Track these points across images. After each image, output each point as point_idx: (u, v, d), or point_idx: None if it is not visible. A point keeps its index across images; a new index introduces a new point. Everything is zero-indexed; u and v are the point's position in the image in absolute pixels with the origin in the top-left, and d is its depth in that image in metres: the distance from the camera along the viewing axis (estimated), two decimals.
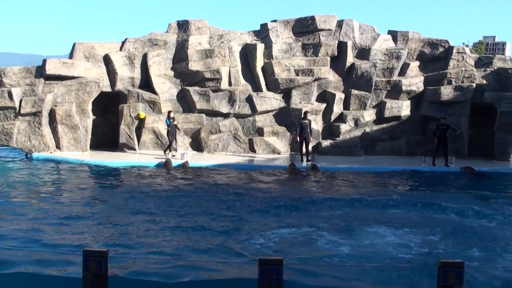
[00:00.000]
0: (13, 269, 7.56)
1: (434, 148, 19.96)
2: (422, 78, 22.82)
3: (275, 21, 23.29)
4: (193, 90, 21.97)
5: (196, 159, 19.69)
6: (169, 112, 20.58)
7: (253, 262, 6.81)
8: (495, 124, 21.64)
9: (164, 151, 20.20)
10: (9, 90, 20.12)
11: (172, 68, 22.30)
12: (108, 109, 22.70)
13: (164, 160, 18.83)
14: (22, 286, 7.28)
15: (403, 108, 22.52)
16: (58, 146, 20.74)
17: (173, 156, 19.92)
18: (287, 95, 22.51)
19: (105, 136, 22.47)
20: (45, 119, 20.52)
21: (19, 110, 20.25)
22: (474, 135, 22.66)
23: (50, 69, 20.56)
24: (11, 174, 16.61)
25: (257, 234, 9.69)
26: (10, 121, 20.32)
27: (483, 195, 14.58)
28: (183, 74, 22.20)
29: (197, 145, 21.97)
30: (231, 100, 22.06)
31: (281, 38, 23.05)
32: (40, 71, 20.70)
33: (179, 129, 20.74)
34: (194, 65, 21.93)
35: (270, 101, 22.39)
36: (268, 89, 22.51)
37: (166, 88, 22.01)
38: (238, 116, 22.33)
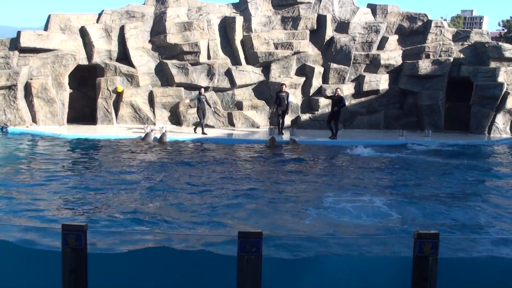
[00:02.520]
0: None
1: (326, 120, 20.25)
2: (401, 52, 22.91)
3: None
4: (171, 64, 21.74)
5: (175, 133, 19.59)
6: (200, 88, 20.36)
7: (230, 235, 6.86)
8: (471, 98, 21.89)
9: (194, 129, 20.00)
10: None
11: (150, 41, 22.00)
12: (85, 83, 22.38)
13: (144, 134, 18.76)
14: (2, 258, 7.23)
15: (381, 82, 22.63)
16: (34, 120, 20.45)
17: (205, 134, 19.58)
18: (266, 68, 22.42)
19: (82, 110, 22.21)
20: (20, 93, 20.16)
21: None
22: (451, 109, 22.94)
23: (24, 42, 20.12)
24: None
25: (233, 206, 9.77)
26: None
27: None
28: (161, 47, 21.93)
29: (175, 119, 21.84)
30: (210, 73, 21.91)
31: (260, 11, 22.85)
32: (14, 44, 20.24)
33: (210, 105, 20.40)
34: (172, 38, 21.66)
35: (249, 74, 22.29)
36: (247, 62, 22.39)
37: (144, 61, 21.74)
38: (217, 89, 22.21)
